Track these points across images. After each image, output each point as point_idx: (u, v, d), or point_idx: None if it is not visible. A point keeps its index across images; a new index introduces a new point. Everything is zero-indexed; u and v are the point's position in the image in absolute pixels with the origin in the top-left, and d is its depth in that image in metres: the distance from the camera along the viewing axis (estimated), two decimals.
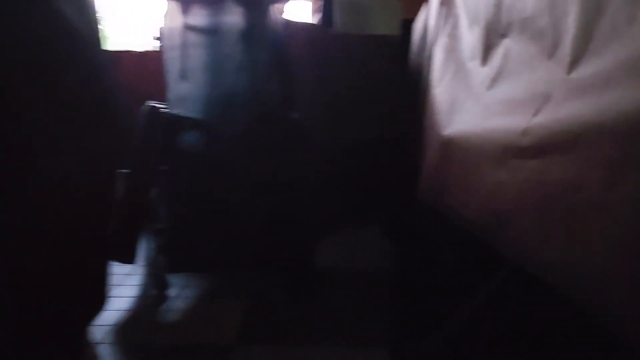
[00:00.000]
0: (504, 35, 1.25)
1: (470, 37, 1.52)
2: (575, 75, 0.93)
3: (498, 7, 1.28)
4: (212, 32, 2.76)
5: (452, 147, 1.43)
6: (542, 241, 0.96)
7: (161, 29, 2.73)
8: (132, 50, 4.74)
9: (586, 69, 0.91)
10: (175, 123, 2.70)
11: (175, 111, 2.71)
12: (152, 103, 2.73)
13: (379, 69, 3.20)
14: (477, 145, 1.25)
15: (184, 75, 2.71)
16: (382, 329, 2.35)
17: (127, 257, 2.72)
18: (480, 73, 1.33)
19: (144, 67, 4.24)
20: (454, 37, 1.79)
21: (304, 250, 2.88)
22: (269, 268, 2.82)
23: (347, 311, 2.59)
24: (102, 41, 1.87)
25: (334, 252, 3.36)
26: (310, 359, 2.15)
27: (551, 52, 1.03)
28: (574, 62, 0.93)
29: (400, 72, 3.13)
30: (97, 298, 1.83)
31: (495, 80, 1.22)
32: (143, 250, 3.31)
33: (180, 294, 2.80)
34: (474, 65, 1.39)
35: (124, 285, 2.92)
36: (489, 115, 1.21)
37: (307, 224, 2.89)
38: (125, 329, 2.41)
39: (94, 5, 1.71)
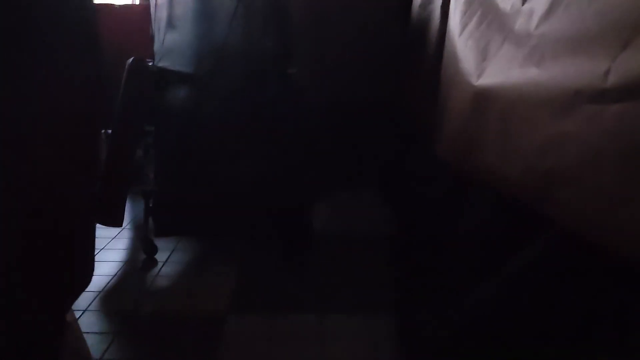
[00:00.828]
0: None
1: None
2: None
3: None
4: None
5: (488, 99, 1.26)
6: (614, 205, 0.82)
7: None
8: (115, 4, 4.49)
9: None
10: (161, 77, 2.52)
11: (162, 64, 2.52)
12: (137, 57, 2.54)
13: (378, 23, 3.00)
14: (527, 94, 1.08)
15: (171, 25, 2.51)
16: (382, 297, 2.24)
17: (114, 220, 2.56)
18: (522, 12, 1.16)
19: (130, 21, 4.01)
20: None
21: (298, 211, 2.75)
22: (262, 230, 2.69)
23: (344, 278, 2.48)
24: None
25: (330, 216, 3.24)
26: (305, 329, 2.04)
27: None
28: None
29: (400, 25, 2.93)
30: (84, 272, 1.69)
31: (545, 18, 1.05)
32: (131, 212, 3.18)
33: (169, 258, 2.67)
34: (510, 4, 1.22)
35: (111, 248, 2.79)
36: (543, 58, 1.04)
37: (301, 184, 2.74)
38: (112, 296, 2.28)
39: None
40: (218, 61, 2.51)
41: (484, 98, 1.28)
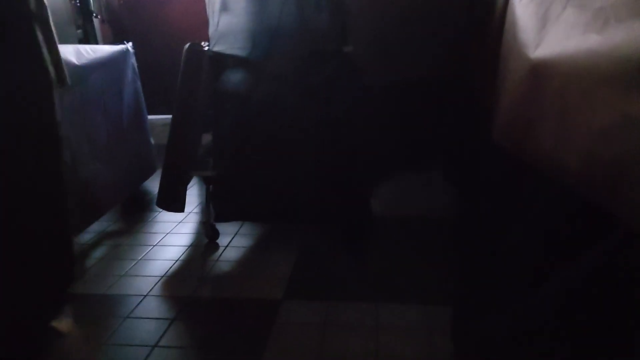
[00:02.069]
0: None
1: None
2: None
3: None
4: None
5: (546, 72, 1.09)
6: None
7: None
8: None
9: None
10: (217, 62, 2.50)
11: (217, 48, 2.49)
12: (193, 42, 2.54)
13: None
14: (587, 66, 0.92)
15: (225, 8, 2.47)
16: (441, 287, 2.12)
17: (176, 205, 2.62)
18: None
19: (189, 6, 4.06)
20: None
21: (359, 196, 2.65)
22: (322, 217, 2.62)
23: (403, 265, 2.38)
24: None
25: (391, 200, 3.12)
26: (360, 318, 1.97)
27: None
28: None
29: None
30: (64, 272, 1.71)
31: None
32: (198, 196, 3.24)
33: (230, 243, 2.68)
34: None
35: (176, 233, 2.85)
36: (607, 23, 0.87)
37: (361, 168, 2.64)
38: (173, 281, 2.32)
39: None
40: (272, 43, 2.45)
41: (541, 72, 1.12)
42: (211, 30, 2.52)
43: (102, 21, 4.08)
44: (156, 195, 2.69)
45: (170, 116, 2.67)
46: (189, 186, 2.79)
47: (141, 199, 3.31)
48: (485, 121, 2.11)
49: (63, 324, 2.01)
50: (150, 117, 3.52)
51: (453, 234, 2.52)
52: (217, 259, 2.52)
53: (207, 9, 2.52)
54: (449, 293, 1.97)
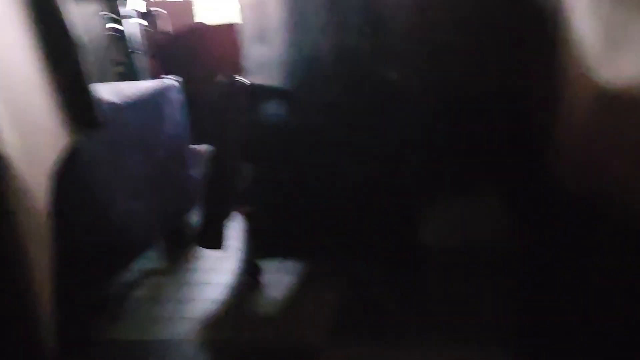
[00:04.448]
0: None
1: None
2: None
3: None
4: None
5: (619, 100, 0.93)
6: None
7: None
8: (227, 22, 4.58)
9: None
10: (253, 94, 2.42)
11: (254, 80, 2.42)
12: (228, 74, 2.48)
13: (495, 6, 2.63)
14: None
15: (261, 39, 2.40)
16: (499, 328, 1.92)
17: (214, 243, 2.53)
18: None
19: (225, 38, 4.04)
20: None
21: (406, 228, 2.49)
22: (367, 251, 2.47)
23: (458, 301, 2.19)
24: None
25: (442, 229, 2.92)
26: None
27: None
28: None
29: (524, 7, 2.54)
30: None
31: None
32: (235, 233, 3.14)
33: (271, 280, 2.56)
34: None
35: (216, 269, 2.75)
36: None
37: (409, 198, 2.49)
38: (212, 323, 2.22)
39: None
40: (312, 73, 2.35)
41: (612, 100, 0.95)
42: (248, 61, 2.45)
43: (147, 55, 4.12)
44: (196, 231, 2.62)
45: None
46: (229, 220, 2.71)
47: (182, 233, 3.24)
48: (544, 149, 1.92)
49: None
50: (194, 147, 3.49)
51: (516, 267, 2.32)
52: (258, 298, 2.41)
53: (244, 41, 2.46)
54: (510, 336, 1.77)
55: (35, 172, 1.47)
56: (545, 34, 1.56)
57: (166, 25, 4.70)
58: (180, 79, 3.22)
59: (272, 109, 2.48)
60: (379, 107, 2.39)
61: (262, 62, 2.43)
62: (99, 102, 2.22)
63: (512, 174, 2.58)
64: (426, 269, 2.51)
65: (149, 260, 2.95)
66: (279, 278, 2.58)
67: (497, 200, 2.82)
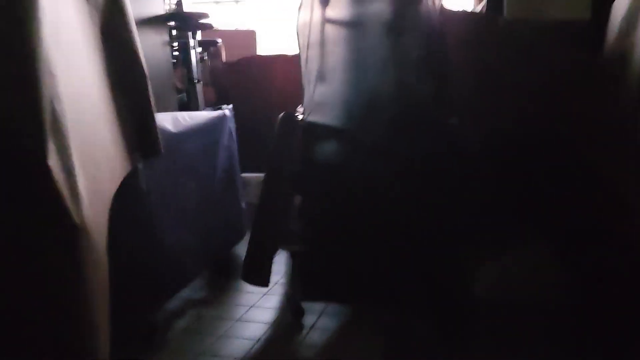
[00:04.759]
0: None
1: None
2: None
3: None
4: (353, 25, 2.39)
5: None
6: None
7: (297, 25, 2.42)
8: (284, 54, 4.65)
9: None
10: (309, 132, 2.39)
11: (311, 119, 2.40)
12: (288, 112, 2.47)
13: (561, 62, 2.53)
14: None
15: (321, 77, 2.39)
16: None
17: (260, 280, 2.49)
18: None
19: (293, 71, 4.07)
20: None
21: (459, 280, 2.37)
22: (417, 301, 2.36)
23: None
24: None
25: (497, 281, 2.77)
26: None
27: None
28: None
29: (590, 63, 2.43)
30: None
31: None
32: (281, 266, 3.09)
33: (315, 324, 2.49)
34: None
35: (260, 307, 2.70)
36: None
37: (464, 249, 2.38)
38: None
39: None
40: (368, 113, 2.31)
41: None
42: (306, 99, 2.44)
43: (205, 84, 4.21)
44: (242, 265, 2.59)
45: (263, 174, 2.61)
46: (277, 254, 2.67)
47: (229, 265, 3.23)
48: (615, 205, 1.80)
49: None
50: (245, 175, 3.51)
51: (579, 325, 2.16)
52: (300, 342, 2.34)
53: (303, 79, 2.45)
54: None
55: (98, 204, 1.47)
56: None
57: (227, 55, 4.82)
58: (234, 107, 3.26)
59: (326, 146, 2.44)
60: (436, 152, 2.32)
61: (319, 99, 2.41)
62: (161, 131, 2.25)
63: (575, 228, 2.44)
64: (476, 323, 2.37)
65: (194, 290, 2.94)
66: (323, 322, 2.50)
67: (556, 255, 2.67)
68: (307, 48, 2.42)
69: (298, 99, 2.53)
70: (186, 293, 2.84)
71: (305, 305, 2.54)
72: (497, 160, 2.37)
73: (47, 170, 1.20)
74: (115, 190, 1.70)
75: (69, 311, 1.33)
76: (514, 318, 2.42)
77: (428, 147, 2.25)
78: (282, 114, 2.48)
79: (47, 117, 1.23)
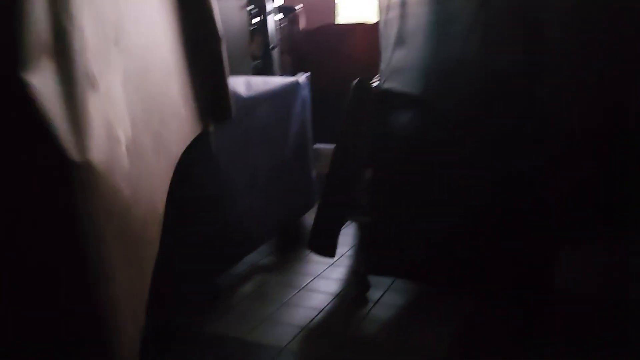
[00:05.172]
0: None
1: None
2: None
3: None
4: None
5: None
6: None
7: None
8: (364, 23, 4.50)
9: None
10: (385, 99, 2.27)
11: (388, 85, 2.27)
12: (362, 77, 2.36)
13: None
14: None
15: (400, 41, 2.25)
16: None
17: (327, 250, 2.43)
18: None
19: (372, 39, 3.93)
20: None
21: (541, 267, 2.19)
22: (491, 286, 2.21)
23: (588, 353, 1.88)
24: None
25: (580, 272, 2.55)
26: None
27: None
28: None
29: None
30: None
31: None
32: (349, 237, 3.01)
33: (381, 299, 2.41)
34: None
35: (326, 277, 2.66)
36: None
37: (548, 231, 2.18)
38: (314, 336, 2.12)
39: None
40: (450, 81, 2.15)
41: None
42: (383, 65, 2.32)
43: (282, 52, 4.16)
44: (309, 234, 2.55)
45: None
46: (345, 226, 2.60)
47: (297, 234, 3.21)
48: None
49: None
50: (318, 145, 3.45)
51: None
52: (364, 317, 2.27)
53: (381, 43, 2.32)
54: None
55: (161, 159, 1.46)
56: None
57: (306, 22, 4.74)
58: (311, 75, 3.19)
59: (403, 116, 2.31)
60: (521, 127, 2.12)
61: (398, 66, 2.28)
62: (232, 94, 2.23)
63: None
64: (554, 315, 2.19)
65: (263, 255, 2.95)
66: (389, 298, 2.42)
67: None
68: (388, 9, 2.28)
69: (377, 69, 2.41)
70: (253, 258, 2.85)
71: (372, 279, 2.47)
72: (596, 141, 2.14)
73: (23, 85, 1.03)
74: (183, 150, 1.69)
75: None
76: (591, 312, 2.22)
77: (515, 119, 2.06)
78: (356, 80, 2.37)
79: (38, 35, 1.06)
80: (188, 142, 1.82)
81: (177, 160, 1.57)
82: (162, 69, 1.58)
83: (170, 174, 1.50)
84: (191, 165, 2.14)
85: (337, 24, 5.08)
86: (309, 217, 2.88)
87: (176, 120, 1.64)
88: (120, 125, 1.22)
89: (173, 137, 1.58)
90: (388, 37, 2.28)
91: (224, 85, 2.17)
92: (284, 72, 4.03)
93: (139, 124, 1.26)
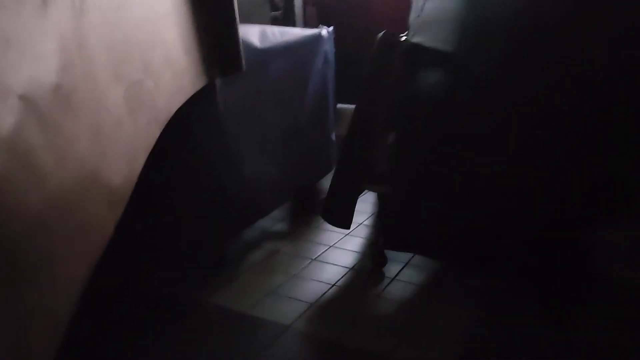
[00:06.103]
0: None
1: None
2: None
3: None
4: None
5: None
6: None
7: None
8: None
9: None
10: (412, 55, 2.02)
11: (416, 40, 2.02)
12: (388, 31, 2.10)
13: None
14: None
15: None
16: None
17: (342, 221, 2.24)
18: None
19: None
20: None
21: (572, 250, 1.96)
22: (518, 268, 2.00)
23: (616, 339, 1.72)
24: None
25: (609, 255, 2.31)
26: None
27: None
28: None
29: None
30: None
31: None
32: (367, 205, 2.81)
33: (398, 275, 2.22)
34: None
35: (341, 248, 2.48)
36: None
37: (584, 211, 1.95)
38: (323, 314, 1.96)
39: None
40: (486, 37, 1.89)
41: None
42: (412, 17, 2.06)
43: (305, 2, 3.88)
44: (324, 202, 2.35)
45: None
46: (363, 194, 2.40)
47: (313, 200, 3.02)
48: None
49: None
50: (341, 105, 3.23)
51: None
52: (379, 294, 2.09)
53: None
54: None
55: (139, 116, 1.26)
56: None
57: None
58: (335, 30, 2.93)
59: (432, 75, 2.06)
60: (569, 92, 1.85)
61: (428, 17, 2.02)
62: (244, 45, 2.01)
63: None
64: (587, 305, 1.98)
65: (275, 221, 2.78)
66: (407, 274, 2.23)
67: None
68: None
69: (406, 23, 2.15)
70: (264, 224, 2.68)
71: (390, 253, 2.28)
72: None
73: None
74: (178, 105, 1.49)
75: None
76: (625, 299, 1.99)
77: (558, 85, 1.80)
78: (380, 33, 2.12)
79: None
80: (187, 97, 1.62)
81: (167, 117, 1.38)
82: (151, 7, 1.37)
83: (155, 132, 1.30)
84: (192, 123, 1.95)
85: None
86: (327, 182, 2.69)
87: (170, 70, 1.44)
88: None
89: (163, 90, 1.37)
90: None
91: (233, 33, 1.96)
92: (307, 25, 3.76)
93: (95, 69, 1.03)
